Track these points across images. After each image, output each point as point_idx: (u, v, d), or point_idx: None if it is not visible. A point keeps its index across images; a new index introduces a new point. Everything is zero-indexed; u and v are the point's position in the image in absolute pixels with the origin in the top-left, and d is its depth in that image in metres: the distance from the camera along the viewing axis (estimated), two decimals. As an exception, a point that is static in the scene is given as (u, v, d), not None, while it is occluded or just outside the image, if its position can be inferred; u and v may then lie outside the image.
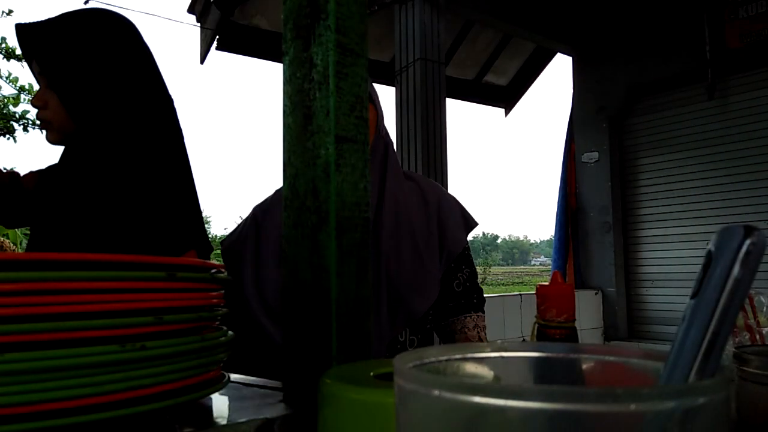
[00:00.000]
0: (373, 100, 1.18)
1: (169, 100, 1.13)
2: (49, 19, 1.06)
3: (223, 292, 0.54)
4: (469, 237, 1.31)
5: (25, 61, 1.09)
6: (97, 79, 1.04)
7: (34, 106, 1.05)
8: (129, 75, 1.07)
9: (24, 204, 1.16)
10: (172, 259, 0.44)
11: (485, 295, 1.39)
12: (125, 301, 0.41)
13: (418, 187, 1.25)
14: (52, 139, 1.07)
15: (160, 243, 1.00)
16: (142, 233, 1.00)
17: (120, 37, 1.07)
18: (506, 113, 5.37)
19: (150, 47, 1.13)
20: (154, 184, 1.04)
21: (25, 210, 1.17)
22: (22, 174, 1.20)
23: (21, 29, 1.04)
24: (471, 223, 1.29)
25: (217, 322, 0.52)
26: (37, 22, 1.05)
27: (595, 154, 4.54)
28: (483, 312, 1.26)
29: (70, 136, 1.05)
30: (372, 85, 1.20)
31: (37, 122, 1.06)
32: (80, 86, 1.03)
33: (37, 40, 1.03)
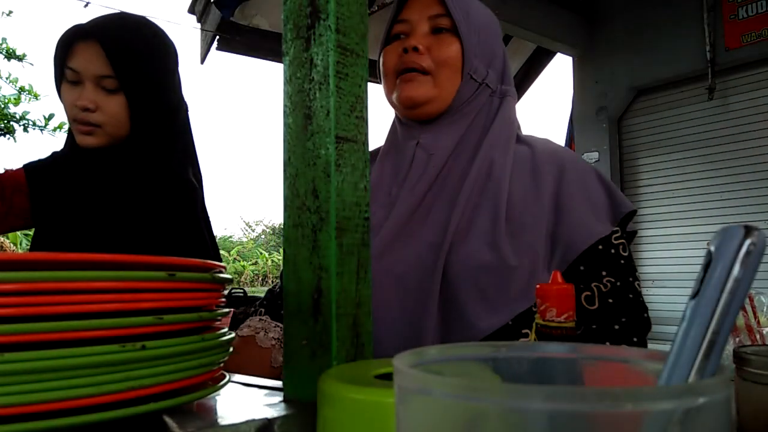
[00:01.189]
0: (459, 28, 0.87)
1: (187, 108, 1.16)
2: (114, 23, 1.05)
3: (223, 292, 0.54)
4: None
5: (59, 62, 1.05)
6: (163, 86, 1.08)
7: (83, 108, 1.02)
8: (176, 84, 1.12)
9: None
10: (172, 260, 0.44)
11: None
12: (125, 301, 0.41)
13: (531, 152, 0.88)
14: (96, 143, 1.05)
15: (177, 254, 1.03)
16: (165, 244, 1.03)
17: (172, 48, 1.11)
18: (506, 113, 5.36)
19: None
20: (186, 192, 1.09)
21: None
22: None
23: (91, 31, 1.02)
24: (621, 208, 0.83)
25: (218, 322, 0.52)
26: (107, 25, 1.04)
27: (595, 154, 4.54)
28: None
29: (119, 140, 1.06)
30: (469, 5, 0.91)
31: (66, 124, 1.02)
32: (151, 92, 1.06)
33: (114, 43, 1.02)
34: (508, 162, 0.87)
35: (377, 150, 1.03)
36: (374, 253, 0.84)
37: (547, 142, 0.93)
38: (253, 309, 1.00)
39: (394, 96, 0.90)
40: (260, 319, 0.96)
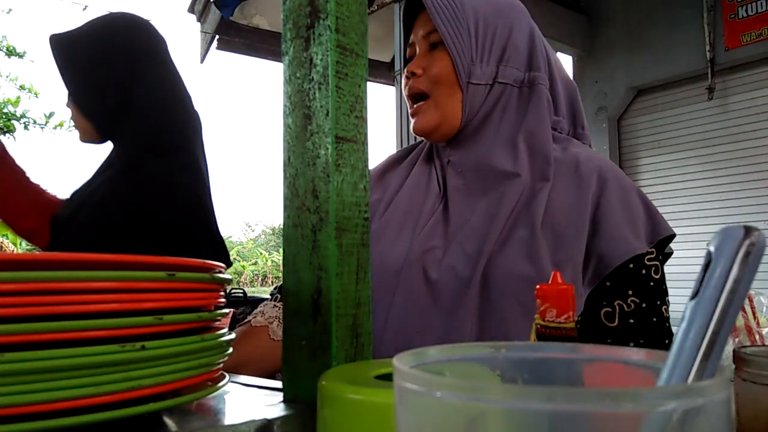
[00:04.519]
0: (443, 38, 0.84)
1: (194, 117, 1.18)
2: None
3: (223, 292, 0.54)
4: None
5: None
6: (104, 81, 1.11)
7: None
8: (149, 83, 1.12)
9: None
10: (172, 260, 0.44)
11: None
12: (125, 301, 0.41)
13: (575, 161, 0.83)
14: (83, 141, 1.14)
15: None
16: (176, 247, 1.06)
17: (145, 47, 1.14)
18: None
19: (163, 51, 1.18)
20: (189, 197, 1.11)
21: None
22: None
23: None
24: (659, 230, 0.80)
25: (218, 322, 0.52)
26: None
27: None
28: None
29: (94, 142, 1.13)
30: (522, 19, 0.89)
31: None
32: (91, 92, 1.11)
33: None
34: (548, 163, 0.82)
35: (394, 158, 1.03)
36: (409, 258, 0.82)
37: (591, 153, 0.88)
38: (270, 294, 0.98)
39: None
40: (275, 306, 0.91)
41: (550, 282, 0.46)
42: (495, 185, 0.83)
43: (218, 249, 1.12)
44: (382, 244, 0.87)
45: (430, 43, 0.88)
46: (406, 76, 0.89)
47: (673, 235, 0.81)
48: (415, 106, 0.88)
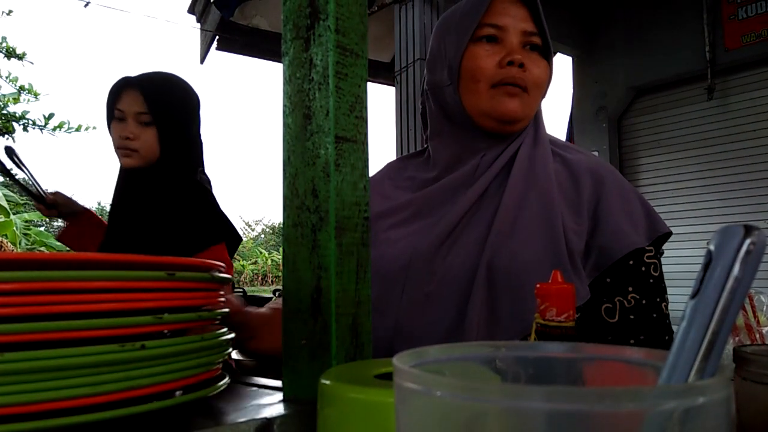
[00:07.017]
0: (550, 50, 0.88)
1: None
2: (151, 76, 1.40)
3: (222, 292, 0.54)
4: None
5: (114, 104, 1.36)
6: (187, 124, 1.41)
7: (124, 137, 1.32)
8: (196, 122, 1.45)
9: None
10: (172, 259, 0.44)
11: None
12: (125, 301, 0.41)
13: (571, 160, 0.87)
14: (131, 164, 1.35)
15: (198, 240, 1.31)
16: (188, 235, 1.30)
17: (195, 96, 1.46)
18: (506, 113, 5.35)
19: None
20: (203, 192, 1.38)
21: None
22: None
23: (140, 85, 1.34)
24: (657, 227, 0.82)
25: (218, 322, 0.52)
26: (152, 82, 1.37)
27: (595, 154, 4.54)
28: None
29: (151, 163, 1.35)
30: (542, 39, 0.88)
31: (120, 149, 1.34)
32: (178, 129, 1.37)
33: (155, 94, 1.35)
34: (547, 157, 0.85)
35: (395, 165, 1.01)
36: (424, 253, 0.82)
37: (590, 156, 0.91)
38: (277, 290, 0.98)
39: (488, 105, 0.84)
40: None
41: (550, 280, 0.46)
42: (514, 179, 0.84)
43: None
44: (392, 243, 0.87)
45: (527, 42, 0.86)
46: (510, 63, 0.83)
47: (670, 233, 0.83)
48: (517, 88, 0.84)
